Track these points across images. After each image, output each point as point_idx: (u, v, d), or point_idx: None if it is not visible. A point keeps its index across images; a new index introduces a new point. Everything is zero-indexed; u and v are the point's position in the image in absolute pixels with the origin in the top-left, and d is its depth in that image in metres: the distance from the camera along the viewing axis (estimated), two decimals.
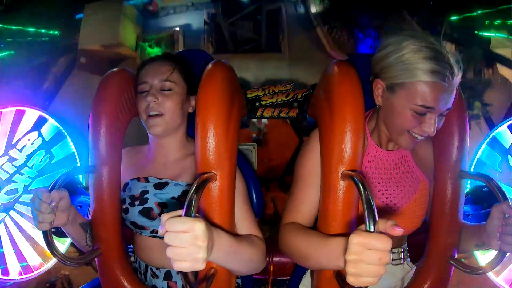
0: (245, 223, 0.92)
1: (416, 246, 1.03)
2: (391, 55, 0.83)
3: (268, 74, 3.73)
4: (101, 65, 3.47)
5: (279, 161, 3.09)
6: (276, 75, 3.72)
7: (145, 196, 0.98)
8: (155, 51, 3.79)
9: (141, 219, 0.97)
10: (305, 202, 0.91)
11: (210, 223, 0.77)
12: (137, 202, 0.98)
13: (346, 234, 0.69)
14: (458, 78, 0.81)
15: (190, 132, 1.05)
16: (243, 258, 0.82)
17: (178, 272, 0.98)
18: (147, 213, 0.97)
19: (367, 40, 3.77)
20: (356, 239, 0.58)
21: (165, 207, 0.97)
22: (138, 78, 1.01)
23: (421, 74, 0.79)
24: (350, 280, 0.59)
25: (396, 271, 0.97)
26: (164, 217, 0.61)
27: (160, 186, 0.99)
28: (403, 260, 0.98)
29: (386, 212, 0.93)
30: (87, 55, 3.48)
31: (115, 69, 1.01)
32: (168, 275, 0.99)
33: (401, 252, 0.98)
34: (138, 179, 1.02)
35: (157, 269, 1.00)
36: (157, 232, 0.97)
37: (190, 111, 1.05)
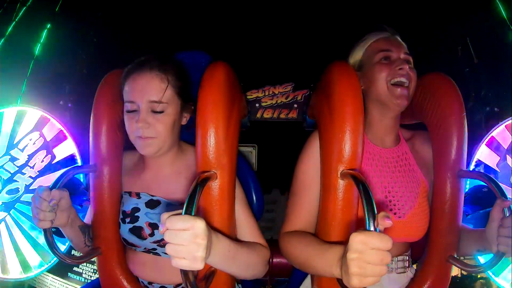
0: (247, 229, 0.90)
1: (416, 245, 1.03)
2: (352, 51, 1.03)
3: None
4: None
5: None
6: None
7: (136, 214, 0.94)
8: None
9: (131, 238, 0.94)
10: (304, 210, 0.90)
11: (210, 223, 0.77)
12: (127, 219, 0.94)
13: (341, 243, 0.70)
14: (398, 36, 1.00)
15: (188, 137, 1.02)
16: (242, 264, 0.82)
17: (175, 286, 0.96)
18: (137, 232, 0.93)
19: None
20: (358, 237, 0.58)
21: (156, 228, 0.92)
22: (124, 93, 0.90)
23: (369, 40, 1.00)
24: (354, 281, 0.59)
25: (400, 278, 0.97)
26: (165, 215, 0.62)
27: (151, 204, 0.95)
28: (407, 268, 0.98)
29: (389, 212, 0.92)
30: None
31: (115, 70, 1.01)
32: None
33: (406, 260, 0.98)
34: (129, 193, 0.98)
35: (150, 283, 0.97)
36: (149, 250, 0.94)
37: (184, 123, 0.97)
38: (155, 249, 0.94)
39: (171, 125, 0.90)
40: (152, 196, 0.96)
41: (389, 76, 0.93)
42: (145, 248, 0.94)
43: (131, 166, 1.02)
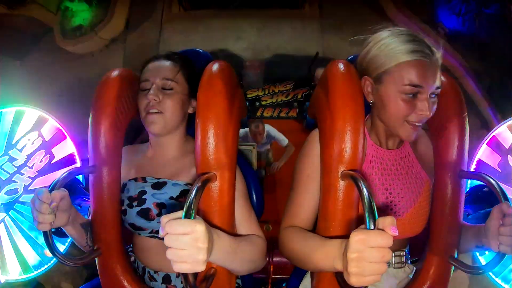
0: (245, 222, 0.91)
1: (416, 245, 1.03)
2: (373, 49, 0.87)
3: (278, 43, 2.05)
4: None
5: None
6: (296, 46, 1.98)
7: (143, 197, 0.97)
8: (81, 7, 2.62)
9: (140, 220, 0.96)
10: (304, 207, 0.91)
11: (210, 224, 0.77)
12: (135, 203, 0.97)
13: (344, 236, 0.69)
14: (438, 56, 0.85)
15: (191, 132, 1.04)
16: (243, 258, 0.82)
17: (177, 275, 0.98)
18: (145, 214, 0.96)
19: (452, 2, 2.31)
20: (357, 237, 0.58)
21: (164, 207, 0.96)
22: (141, 76, 1.02)
23: (402, 56, 0.83)
24: (353, 280, 0.59)
25: (397, 273, 0.97)
26: (164, 219, 0.61)
27: (158, 186, 0.98)
28: (404, 263, 0.98)
29: (388, 214, 0.92)
30: None
31: (115, 69, 1.01)
32: (167, 279, 0.99)
33: (403, 255, 0.97)
34: (135, 179, 1.01)
35: (155, 272, 0.99)
36: (156, 232, 0.96)
37: (191, 111, 1.04)
38: None
39: (178, 103, 0.98)
40: (158, 178, 0.99)
41: (408, 116, 0.84)
42: (151, 231, 0.96)
43: (135, 157, 1.06)
